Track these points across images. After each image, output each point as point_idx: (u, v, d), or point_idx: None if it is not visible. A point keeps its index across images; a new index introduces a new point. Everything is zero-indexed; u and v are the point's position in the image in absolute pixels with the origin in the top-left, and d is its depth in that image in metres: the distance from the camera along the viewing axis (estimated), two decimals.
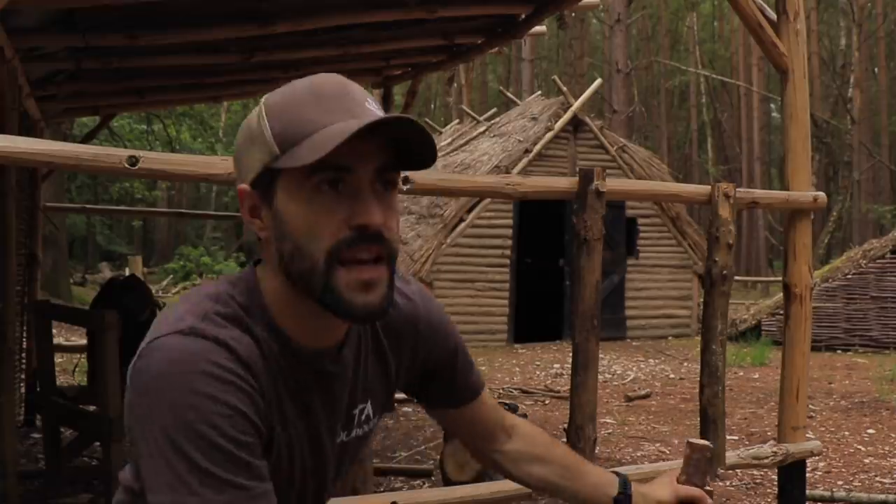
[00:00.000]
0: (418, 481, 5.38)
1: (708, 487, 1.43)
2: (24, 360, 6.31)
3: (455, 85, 22.38)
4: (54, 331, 5.45)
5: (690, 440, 1.45)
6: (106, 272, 23.30)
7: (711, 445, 1.46)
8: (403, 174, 3.06)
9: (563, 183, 3.18)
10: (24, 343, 6.29)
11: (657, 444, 6.55)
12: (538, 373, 10.33)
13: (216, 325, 1.08)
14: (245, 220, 1.13)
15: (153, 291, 5.34)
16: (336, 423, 1.25)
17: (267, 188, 1.09)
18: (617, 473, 1.50)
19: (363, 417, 1.30)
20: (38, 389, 5.13)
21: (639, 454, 6.25)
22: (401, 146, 1.09)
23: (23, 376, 6.28)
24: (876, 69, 32.86)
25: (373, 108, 1.09)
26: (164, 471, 1.01)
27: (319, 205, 1.06)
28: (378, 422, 1.35)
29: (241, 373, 1.06)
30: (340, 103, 1.08)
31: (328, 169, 1.05)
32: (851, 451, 6.35)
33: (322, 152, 1.02)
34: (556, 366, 10.81)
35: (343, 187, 1.07)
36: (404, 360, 1.35)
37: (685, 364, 11.11)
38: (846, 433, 6.94)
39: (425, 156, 1.10)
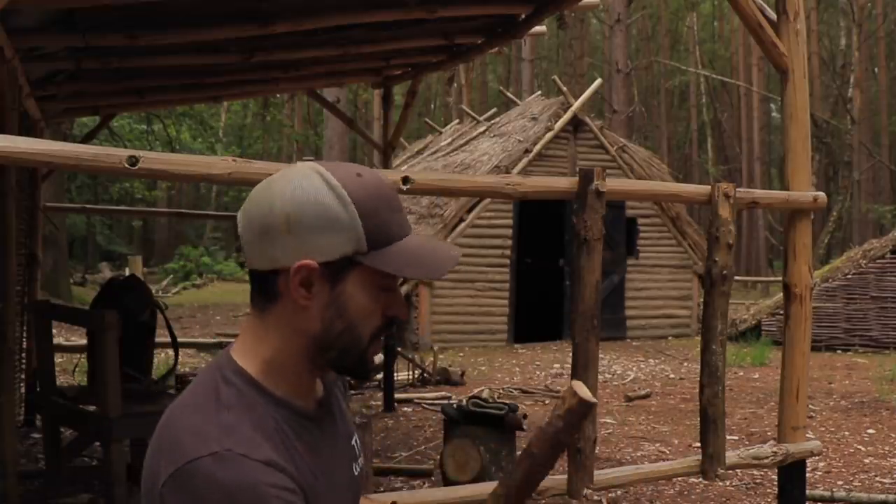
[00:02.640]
0: (418, 481, 5.38)
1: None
2: (24, 360, 6.31)
3: (455, 85, 22.41)
4: (54, 331, 5.45)
5: (577, 390, 1.45)
6: (106, 272, 23.29)
7: (595, 402, 1.48)
8: (404, 174, 3.06)
9: (563, 183, 3.18)
10: (24, 343, 6.29)
11: (657, 444, 6.55)
12: (538, 373, 10.34)
13: (245, 439, 1.16)
14: (292, 287, 1.21)
15: (153, 291, 5.33)
16: (350, 459, 1.37)
17: (337, 272, 1.21)
18: None
19: (358, 448, 1.42)
20: (38, 389, 5.13)
21: (639, 454, 6.25)
22: None
23: (23, 376, 6.29)
24: (876, 69, 32.87)
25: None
26: None
27: (378, 298, 1.25)
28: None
29: (288, 485, 1.16)
30: (402, 212, 1.27)
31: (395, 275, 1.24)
32: (851, 451, 6.35)
33: (435, 274, 1.24)
34: (556, 366, 10.81)
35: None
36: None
37: (685, 364, 11.12)
38: (846, 433, 6.94)
39: None
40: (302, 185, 1.20)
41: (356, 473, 1.37)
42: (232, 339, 1.39)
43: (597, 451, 3.28)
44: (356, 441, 1.41)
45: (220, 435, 1.15)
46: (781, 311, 4.07)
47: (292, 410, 1.25)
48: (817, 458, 5.60)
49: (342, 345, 1.25)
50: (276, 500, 1.12)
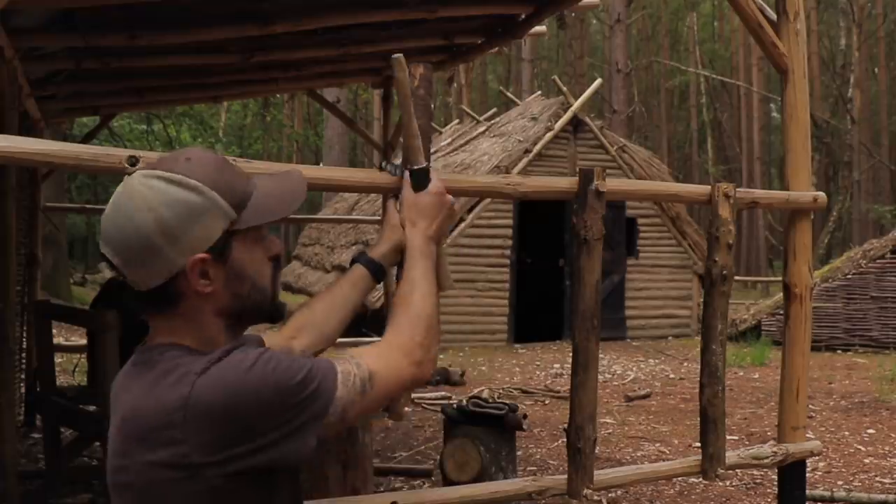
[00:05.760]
0: (418, 481, 5.38)
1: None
2: (24, 360, 6.31)
3: (455, 85, 22.39)
4: (54, 331, 5.44)
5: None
6: (106, 272, 23.17)
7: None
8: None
9: (563, 183, 3.17)
10: (24, 343, 6.29)
11: (657, 444, 6.55)
12: (538, 373, 10.33)
13: (218, 355, 1.29)
14: (192, 282, 1.32)
15: None
16: None
17: (223, 249, 1.33)
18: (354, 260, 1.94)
19: None
20: (38, 389, 5.13)
21: (639, 454, 6.25)
22: None
23: (23, 376, 6.28)
24: (876, 69, 32.86)
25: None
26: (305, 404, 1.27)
27: (261, 249, 1.39)
28: None
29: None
30: (235, 170, 1.39)
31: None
32: (851, 451, 6.35)
33: (281, 213, 1.37)
34: (556, 366, 10.81)
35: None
36: None
37: (685, 364, 11.11)
38: (846, 433, 6.94)
39: None
40: (148, 195, 1.28)
41: None
42: None
43: (597, 451, 3.28)
44: None
45: (195, 361, 1.27)
46: (781, 311, 4.07)
47: None
48: (817, 458, 5.61)
49: (253, 302, 1.38)
50: (274, 360, 1.27)
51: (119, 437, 1.28)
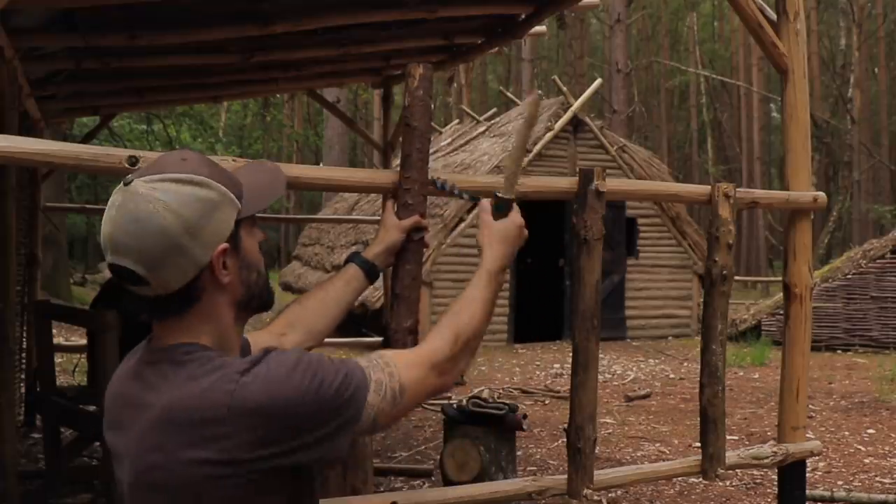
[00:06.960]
0: (418, 481, 5.38)
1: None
2: (24, 360, 6.31)
3: (455, 85, 22.39)
4: (54, 331, 5.44)
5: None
6: (106, 272, 23.27)
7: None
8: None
9: (563, 183, 3.17)
10: (24, 343, 6.29)
11: (657, 444, 6.55)
12: (538, 373, 10.33)
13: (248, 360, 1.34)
14: (217, 274, 1.36)
15: None
16: None
17: (236, 239, 1.39)
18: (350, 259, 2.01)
19: None
20: (38, 389, 5.13)
21: (639, 454, 6.25)
22: None
23: (23, 376, 6.28)
24: (876, 69, 32.87)
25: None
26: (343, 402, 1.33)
27: (255, 236, 1.45)
28: None
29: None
30: (220, 165, 1.43)
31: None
32: (851, 451, 6.35)
33: (275, 196, 1.47)
34: (556, 366, 10.81)
35: None
36: None
37: (685, 364, 11.11)
38: (846, 433, 6.94)
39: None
40: (163, 198, 1.31)
41: None
42: None
43: (597, 451, 3.28)
44: None
45: (233, 361, 1.31)
46: (781, 311, 4.07)
47: None
48: (817, 458, 5.61)
49: (259, 288, 1.44)
50: (314, 364, 1.32)
51: (153, 434, 1.27)
